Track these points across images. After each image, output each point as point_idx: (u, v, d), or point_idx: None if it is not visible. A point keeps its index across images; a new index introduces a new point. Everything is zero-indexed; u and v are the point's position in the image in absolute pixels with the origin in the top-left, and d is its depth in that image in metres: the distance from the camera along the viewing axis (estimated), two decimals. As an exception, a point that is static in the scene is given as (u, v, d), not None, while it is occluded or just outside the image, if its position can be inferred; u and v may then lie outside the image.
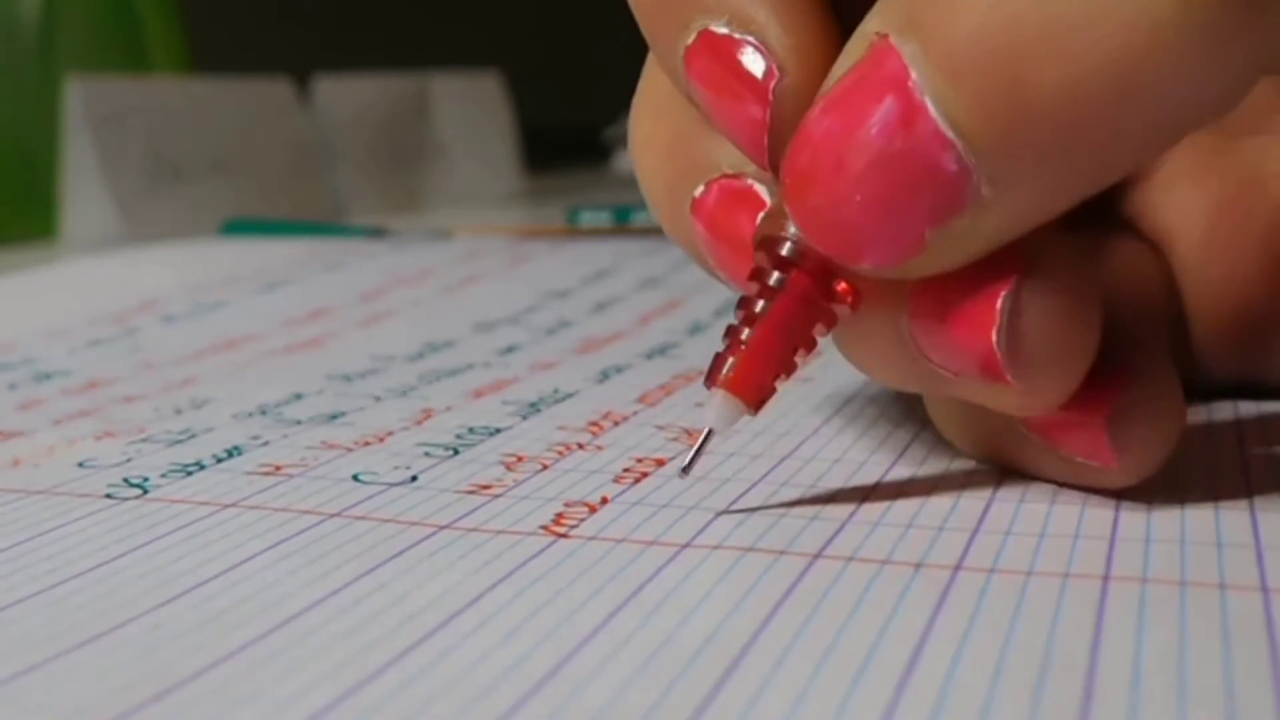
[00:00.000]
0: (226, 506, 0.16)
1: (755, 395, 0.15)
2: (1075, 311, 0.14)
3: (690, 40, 0.14)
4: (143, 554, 0.15)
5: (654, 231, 0.45)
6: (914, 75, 0.12)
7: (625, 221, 0.46)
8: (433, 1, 0.93)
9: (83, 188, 0.49)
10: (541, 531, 0.15)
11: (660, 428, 0.19)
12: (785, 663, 0.11)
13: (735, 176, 0.16)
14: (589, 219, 0.47)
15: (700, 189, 0.16)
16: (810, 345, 0.14)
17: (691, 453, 0.15)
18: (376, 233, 0.48)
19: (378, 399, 0.22)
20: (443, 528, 0.15)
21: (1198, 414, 0.19)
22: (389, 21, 0.91)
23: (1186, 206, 0.19)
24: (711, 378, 0.15)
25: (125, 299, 0.35)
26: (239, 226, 0.50)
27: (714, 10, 0.14)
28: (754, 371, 0.14)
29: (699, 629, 0.12)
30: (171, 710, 0.11)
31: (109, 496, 0.17)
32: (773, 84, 0.14)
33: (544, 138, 0.77)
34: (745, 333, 0.14)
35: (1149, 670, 0.11)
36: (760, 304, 0.14)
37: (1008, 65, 0.12)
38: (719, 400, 0.15)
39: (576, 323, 0.29)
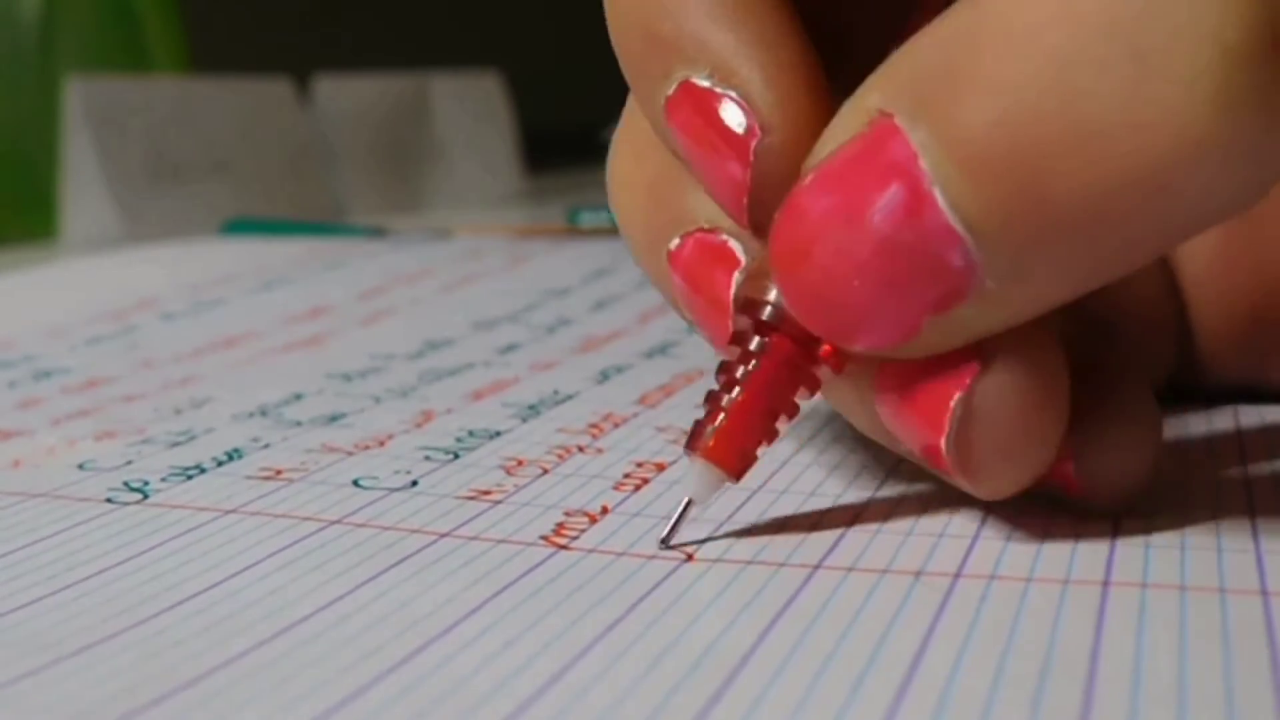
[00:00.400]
0: (227, 512, 0.16)
1: (737, 463, 0.14)
2: (1032, 412, 0.13)
3: (671, 90, 0.14)
4: (144, 560, 0.15)
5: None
6: (924, 163, 0.12)
7: (625, 222, 0.46)
8: (433, 1, 0.93)
9: (83, 188, 0.49)
10: (542, 542, 0.15)
11: (660, 429, 0.19)
12: (784, 673, 0.11)
13: (711, 231, 0.15)
14: (589, 219, 0.47)
15: (676, 242, 0.16)
16: (792, 411, 0.14)
17: (671, 523, 0.15)
18: (376, 232, 0.48)
19: (378, 400, 0.22)
20: (443, 536, 0.15)
21: (1199, 421, 0.19)
22: (389, 21, 0.91)
23: None
24: (692, 445, 0.14)
25: (125, 297, 0.35)
26: (239, 226, 0.50)
27: (696, 60, 0.14)
28: (736, 439, 0.14)
29: (698, 640, 0.12)
30: (172, 715, 0.11)
31: (109, 501, 0.17)
32: (754, 142, 0.13)
33: (544, 138, 0.76)
34: (726, 399, 0.14)
35: (1149, 675, 0.11)
36: (741, 369, 0.14)
37: (1029, 163, 0.11)
38: (699, 469, 0.14)
39: (576, 321, 0.29)
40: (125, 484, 0.18)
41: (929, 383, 0.13)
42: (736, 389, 0.14)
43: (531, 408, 0.21)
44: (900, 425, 0.14)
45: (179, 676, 0.12)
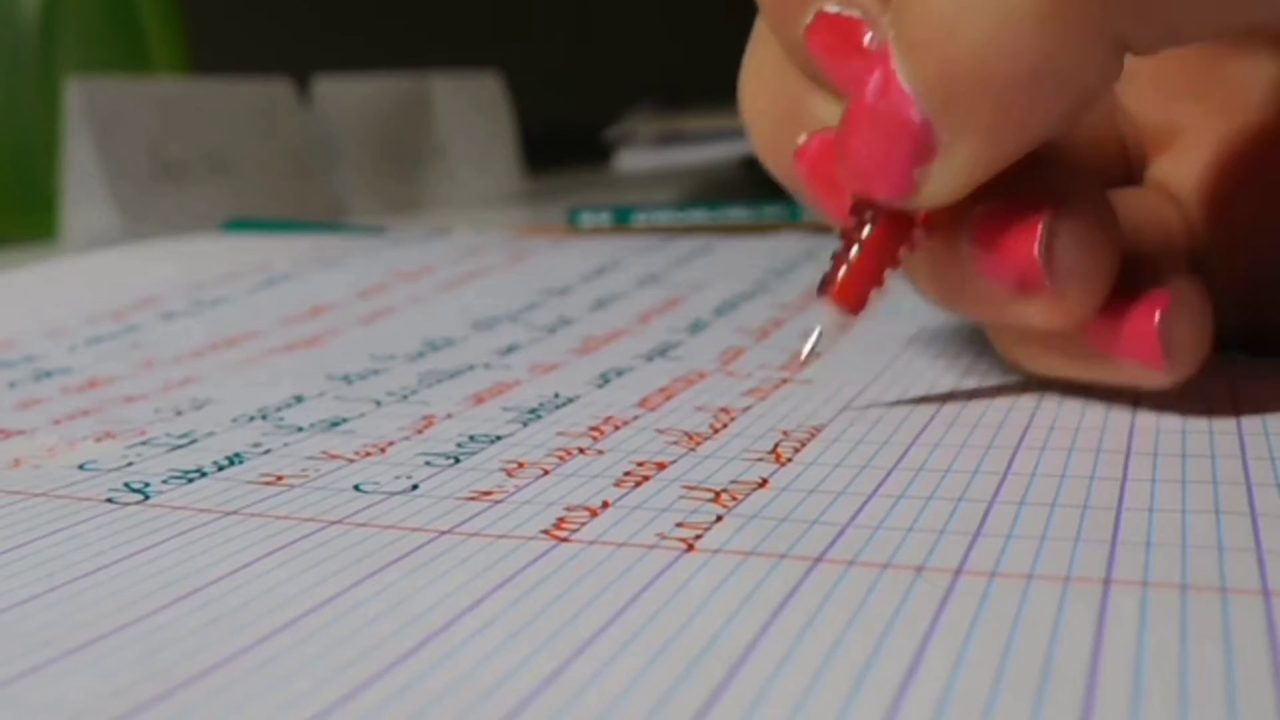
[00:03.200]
0: (228, 514, 0.16)
1: (856, 304, 0.18)
2: (1097, 237, 0.17)
3: (809, 20, 0.18)
4: (144, 558, 0.15)
5: (654, 230, 0.45)
6: (891, 51, 0.16)
7: (625, 222, 0.46)
8: (433, 1, 0.93)
9: (83, 188, 0.49)
10: (542, 536, 0.15)
11: (660, 431, 0.19)
12: (786, 667, 0.11)
13: (833, 130, 0.19)
14: (589, 220, 0.47)
15: (803, 138, 0.20)
16: (897, 263, 0.18)
17: (808, 346, 0.19)
18: (376, 231, 0.48)
19: (378, 404, 0.22)
20: (444, 533, 0.15)
21: (1200, 421, 0.19)
22: (389, 21, 0.91)
23: (1195, 172, 0.21)
24: (823, 290, 0.18)
25: (125, 295, 0.35)
26: (239, 226, 0.50)
27: None
28: (856, 285, 0.18)
29: (700, 633, 0.12)
30: (173, 712, 0.11)
31: (110, 501, 0.17)
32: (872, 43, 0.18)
33: (544, 138, 0.76)
34: (847, 256, 0.18)
35: (1150, 674, 0.11)
36: (858, 233, 0.18)
37: (935, 44, 0.16)
38: (828, 307, 0.18)
39: (577, 320, 0.29)
40: (126, 485, 0.18)
41: (1016, 222, 0.17)
42: (855, 248, 0.18)
43: (532, 411, 0.21)
44: (994, 261, 0.18)
45: (179, 674, 0.12)
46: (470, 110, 0.69)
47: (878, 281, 0.18)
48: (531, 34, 0.97)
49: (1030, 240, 0.17)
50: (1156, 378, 0.18)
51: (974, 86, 0.16)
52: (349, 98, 0.61)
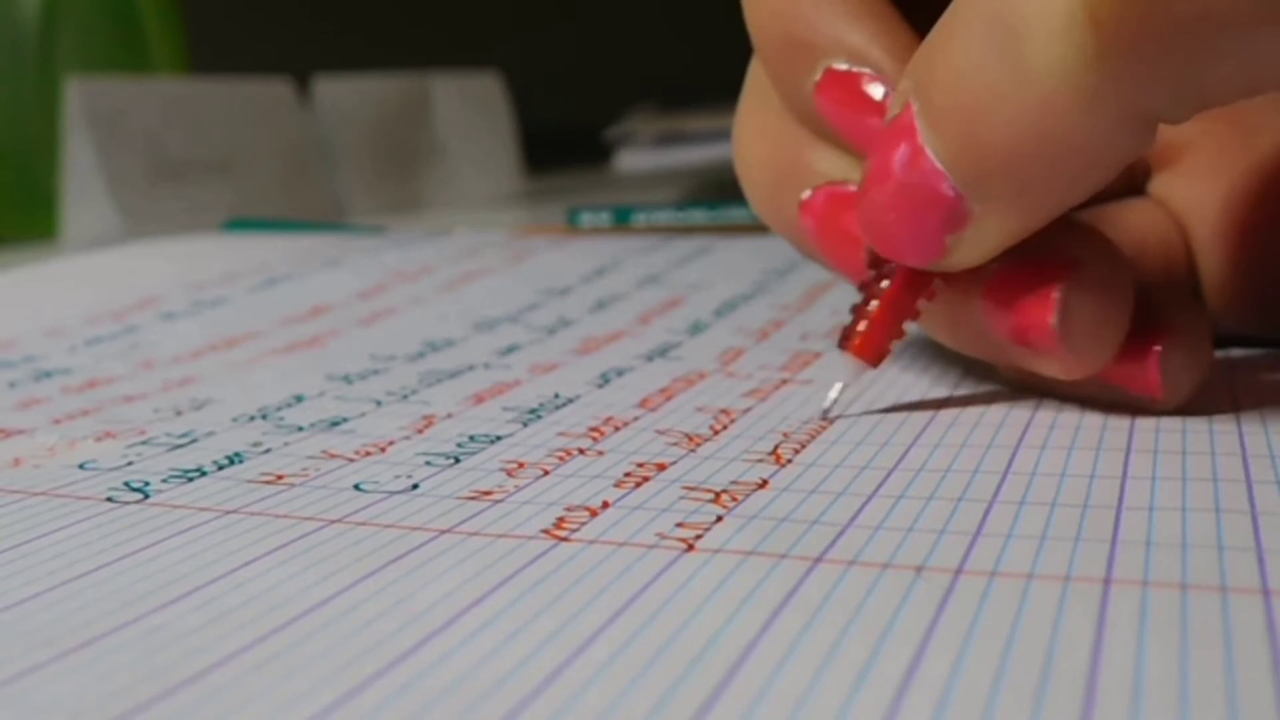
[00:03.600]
0: (228, 513, 0.16)
1: (875, 357, 0.19)
2: (1111, 300, 0.18)
3: (818, 77, 0.19)
4: (144, 557, 0.15)
5: (654, 231, 0.45)
6: (918, 125, 0.16)
7: (625, 222, 0.46)
8: (433, 1, 0.93)
9: (83, 188, 0.49)
10: (542, 535, 0.15)
11: (661, 432, 0.19)
12: (786, 667, 0.11)
13: (841, 183, 0.20)
14: (589, 220, 0.47)
15: (808, 193, 0.20)
16: (915, 315, 0.19)
17: (831, 398, 0.20)
18: (376, 231, 0.48)
19: (379, 403, 0.22)
20: (444, 532, 0.15)
21: (1200, 418, 0.19)
22: (389, 21, 0.91)
23: (1202, 194, 0.22)
24: (844, 344, 0.19)
25: (125, 295, 0.35)
26: (239, 226, 0.50)
27: (835, 52, 0.19)
28: (876, 338, 0.19)
29: (700, 633, 0.12)
30: (172, 712, 0.11)
31: (110, 500, 0.17)
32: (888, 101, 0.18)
33: (544, 138, 0.76)
34: (866, 309, 0.19)
35: (1150, 674, 0.11)
36: (876, 287, 0.19)
37: (967, 123, 0.16)
38: (850, 361, 0.19)
39: (577, 321, 0.29)
40: (126, 484, 0.18)
41: (1030, 288, 0.17)
42: (874, 301, 0.19)
43: (532, 411, 0.21)
44: (1006, 319, 0.18)
45: (179, 673, 0.12)
46: (470, 110, 0.69)
47: (897, 334, 0.19)
48: (531, 34, 0.97)
49: (1046, 309, 0.17)
50: (1157, 406, 0.19)
51: (1008, 166, 0.16)
52: (349, 98, 0.61)
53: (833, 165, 0.20)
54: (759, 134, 0.21)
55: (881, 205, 0.17)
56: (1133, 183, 0.23)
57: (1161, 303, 0.18)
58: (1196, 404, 0.19)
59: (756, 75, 0.21)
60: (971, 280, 0.18)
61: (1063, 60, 0.15)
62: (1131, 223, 0.21)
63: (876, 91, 0.18)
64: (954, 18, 0.16)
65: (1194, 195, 0.22)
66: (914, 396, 0.21)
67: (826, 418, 0.19)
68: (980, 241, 0.17)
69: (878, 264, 0.18)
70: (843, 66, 0.19)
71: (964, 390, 0.21)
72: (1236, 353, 0.22)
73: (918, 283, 0.18)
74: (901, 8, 0.19)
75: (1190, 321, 0.18)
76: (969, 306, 0.18)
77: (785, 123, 0.20)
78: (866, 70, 0.18)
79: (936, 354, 0.24)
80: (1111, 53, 0.15)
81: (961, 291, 0.18)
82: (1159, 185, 0.23)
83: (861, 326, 0.19)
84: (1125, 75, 0.15)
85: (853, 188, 0.19)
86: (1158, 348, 0.18)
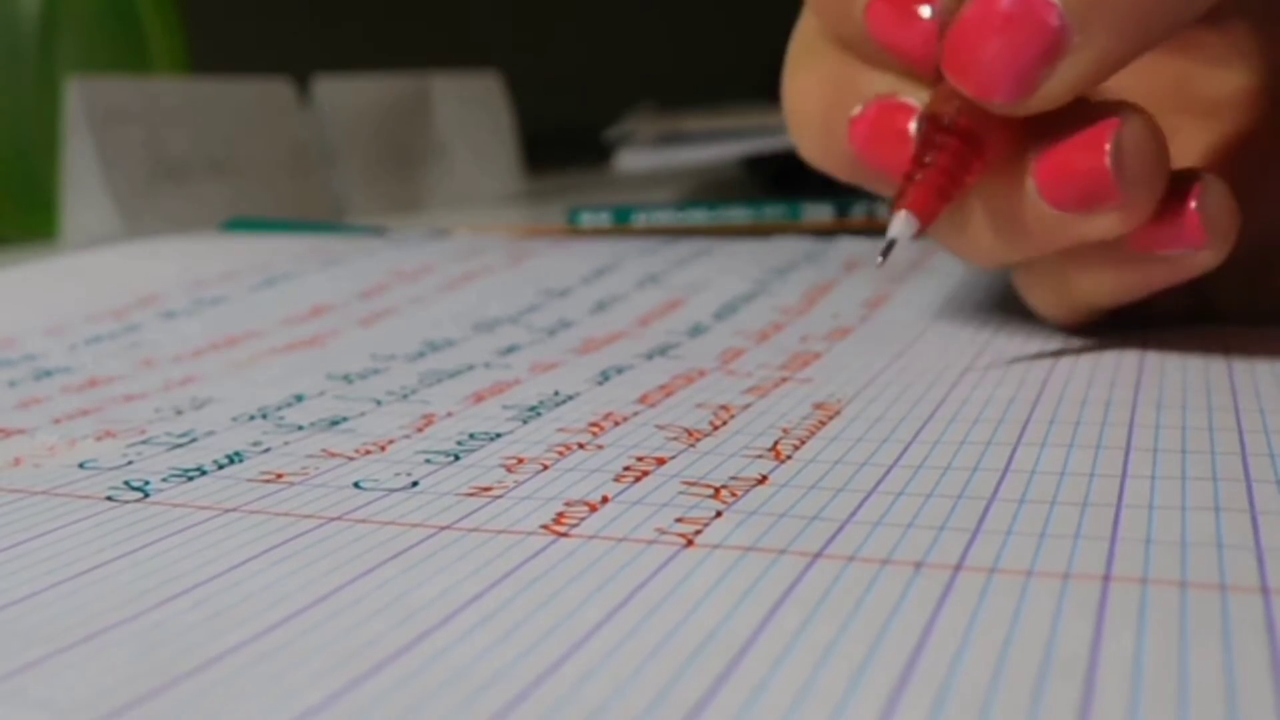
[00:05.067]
0: (228, 511, 0.16)
1: (927, 212, 0.20)
2: (1154, 144, 0.19)
3: (866, 1, 0.21)
4: (143, 555, 0.15)
5: (655, 231, 0.45)
6: None
7: (625, 222, 0.46)
8: (433, 1, 0.93)
9: (83, 188, 0.49)
10: (542, 531, 0.15)
11: (660, 427, 0.19)
12: (785, 662, 0.11)
13: (890, 96, 0.22)
14: (589, 220, 0.47)
15: (858, 109, 0.22)
16: (963, 185, 0.20)
17: (883, 246, 0.20)
18: (376, 231, 0.48)
19: (379, 403, 0.22)
20: (443, 528, 0.15)
21: (1200, 417, 0.19)
22: (389, 21, 0.91)
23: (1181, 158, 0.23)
24: (897, 201, 0.20)
25: (125, 294, 0.35)
26: (239, 226, 0.50)
27: None
28: (927, 194, 0.20)
29: (699, 628, 0.12)
30: (171, 706, 0.11)
31: (110, 499, 0.17)
32: (939, 7, 0.20)
33: (544, 138, 0.77)
34: (918, 175, 0.20)
35: (1149, 672, 0.11)
36: (927, 157, 0.20)
37: None
38: (903, 215, 0.20)
39: (577, 322, 0.29)
40: (126, 483, 0.18)
41: (1080, 147, 0.19)
42: (920, 174, 0.20)
43: (532, 409, 0.21)
44: (1063, 183, 0.20)
45: (177, 669, 0.12)
46: (470, 110, 0.69)
47: (946, 198, 0.20)
48: (531, 34, 0.97)
49: (1100, 155, 0.19)
50: (1201, 258, 0.20)
51: None
52: (349, 98, 0.61)
53: (881, 84, 0.22)
54: (809, 81, 0.24)
55: (981, 40, 0.19)
56: None
57: (1184, 174, 0.20)
58: (1196, 400, 0.19)
59: (803, 34, 0.24)
60: (1015, 167, 0.20)
61: None
62: None
63: (925, 9, 0.21)
64: None
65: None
66: (915, 394, 0.21)
67: (880, 262, 0.20)
68: (1073, 73, 0.18)
69: (930, 135, 0.20)
70: None
71: (964, 388, 0.21)
72: (1236, 351, 0.22)
73: (968, 154, 0.20)
74: None
75: (1212, 179, 0.20)
76: (1022, 190, 0.20)
77: (832, 63, 0.23)
78: None
79: (937, 354, 0.24)
80: None
81: (1006, 182, 0.20)
82: None
83: (914, 186, 0.20)
84: None
85: (902, 98, 0.22)
86: (1192, 199, 0.20)
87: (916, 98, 0.22)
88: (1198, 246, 0.20)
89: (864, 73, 0.22)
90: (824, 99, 0.23)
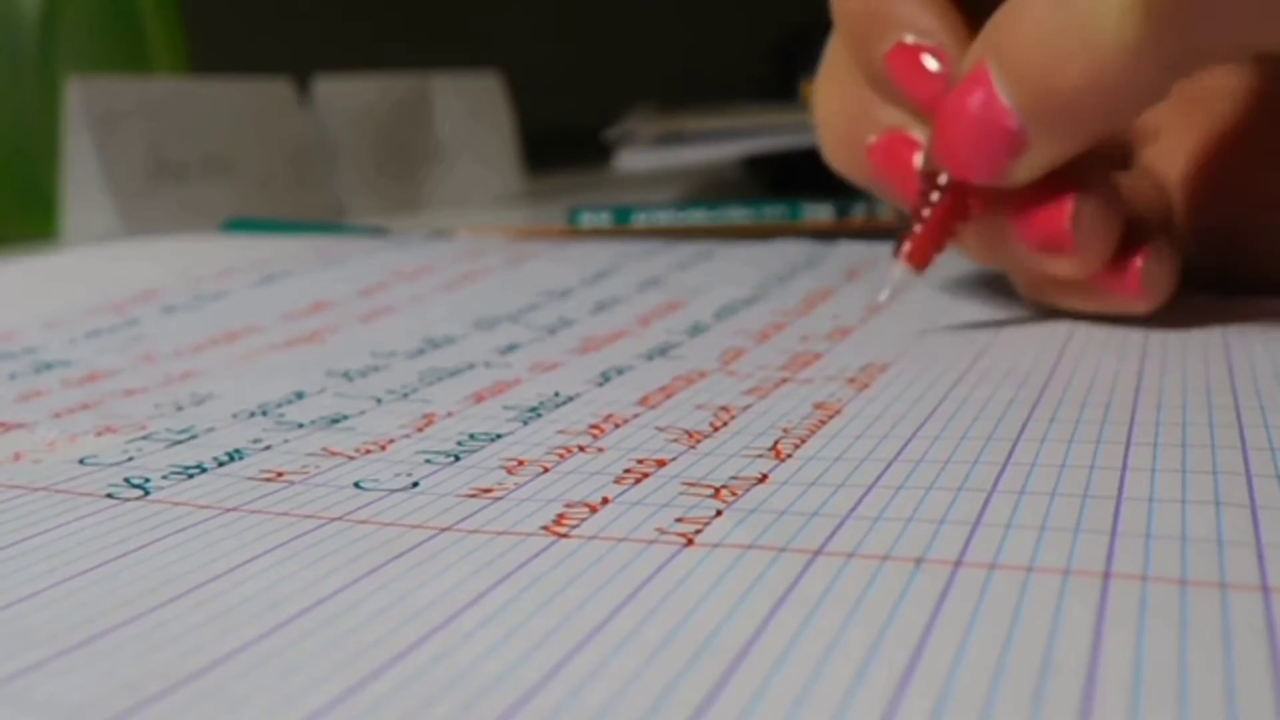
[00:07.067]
0: (228, 510, 0.16)
1: (923, 263, 0.24)
2: (1110, 210, 0.23)
3: (889, 47, 0.25)
4: (144, 554, 0.15)
5: (655, 232, 0.45)
6: (993, 77, 0.22)
7: (625, 222, 0.46)
8: (433, 1, 0.93)
9: (83, 188, 0.49)
10: (542, 531, 0.15)
11: (661, 429, 0.19)
12: (787, 660, 0.11)
13: (900, 129, 0.26)
14: (589, 220, 0.47)
15: (873, 138, 0.26)
16: (954, 233, 0.24)
17: (883, 296, 0.25)
18: (377, 232, 0.48)
19: (379, 401, 0.22)
20: (444, 530, 0.15)
21: (1200, 413, 0.19)
22: (389, 21, 0.91)
23: (1171, 159, 0.27)
24: (896, 252, 0.24)
25: (125, 288, 0.35)
26: (239, 227, 0.50)
27: (906, 28, 0.24)
28: (923, 248, 0.24)
29: (700, 627, 0.12)
30: (173, 708, 0.11)
31: (110, 496, 0.17)
32: (947, 67, 0.24)
33: (544, 138, 0.76)
34: (914, 227, 0.24)
35: (1150, 670, 0.11)
36: (923, 210, 0.24)
37: (1036, 75, 0.21)
38: (900, 266, 0.24)
39: (577, 321, 0.29)
40: (126, 480, 0.18)
41: (1049, 201, 0.23)
42: (918, 224, 0.24)
43: (532, 409, 0.21)
44: (1031, 228, 0.23)
45: (179, 670, 0.12)
46: (470, 110, 0.69)
47: (939, 246, 0.24)
48: (531, 34, 0.97)
49: (1063, 214, 0.23)
50: (1138, 307, 0.24)
51: (1067, 107, 0.21)
52: (349, 98, 0.61)
53: (893, 117, 0.26)
54: (835, 94, 0.27)
55: (957, 137, 0.22)
56: (1125, 159, 0.29)
57: (1143, 230, 0.24)
58: (1197, 398, 0.19)
59: (834, 51, 0.27)
60: (1002, 204, 0.23)
61: (1118, 29, 0.20)
62: (1125, 184, 0.25)
63: (933, 64, 0.24)
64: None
65: (1171, 166, 0.27)
66: (915, 394, 0.21)
67: (879, 307, 0.25)
68: (1034, 163, 0.22)
69: (926, 191, 0.24)
70: (911, 39, 0.24)
71: (964, 388, 0.21)
72: (1236, 350, 0.23)
73: (958, 207, 0.23)
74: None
75: (1163, 244, 0.24)
76: (1000, 225, 0.24)
77: (856, 85, 0.26)
78: (931, 44, 0.24)
79: (937, 353, 0.24)
80: (1158, 25, 0.20)
81: (994, 214, 0.24)
82: (1143, 159, 0.28)
83: (911, 239, 0.24)
84: (1166, 41, 0.20)
85: (910, 133, 0.25)
86: (1139, 259, 0.24)
87: (922, 133, 0.25)
88: (1134, 297, 0.24)
89: (879, 103, 0.26)
90: (847, 116, 0.27)
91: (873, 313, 0.24)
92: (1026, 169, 0.22)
